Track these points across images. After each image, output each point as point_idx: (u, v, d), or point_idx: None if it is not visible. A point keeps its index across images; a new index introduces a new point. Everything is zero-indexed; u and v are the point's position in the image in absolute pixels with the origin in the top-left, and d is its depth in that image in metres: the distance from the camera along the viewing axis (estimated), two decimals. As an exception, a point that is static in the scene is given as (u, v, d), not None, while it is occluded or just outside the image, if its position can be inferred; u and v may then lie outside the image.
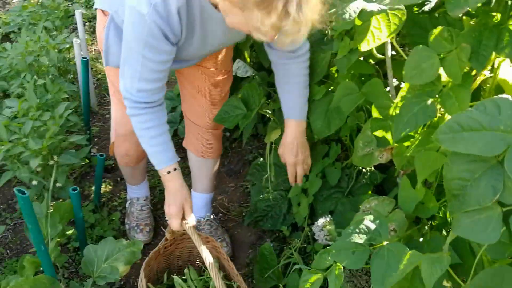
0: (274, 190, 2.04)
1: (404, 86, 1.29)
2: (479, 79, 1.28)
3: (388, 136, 1.43)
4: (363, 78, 1.64)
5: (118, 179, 2.46)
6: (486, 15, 1.14)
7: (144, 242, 2.08)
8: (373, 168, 1.81)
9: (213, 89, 1.83)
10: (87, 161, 2.37)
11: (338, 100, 1.54)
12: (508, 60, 1.25)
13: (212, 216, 2.19)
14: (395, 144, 1.40)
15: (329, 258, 1.22)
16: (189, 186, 2.31)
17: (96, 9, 1.74)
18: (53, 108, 2.02)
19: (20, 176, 1.92)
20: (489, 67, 1.26)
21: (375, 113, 1.42)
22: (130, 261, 1.72)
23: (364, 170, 1.81)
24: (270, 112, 1.96)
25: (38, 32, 2.62)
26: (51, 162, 1.92)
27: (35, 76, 2.27)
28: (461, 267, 1.13)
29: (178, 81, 1.93)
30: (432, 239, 1.27)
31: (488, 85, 1.29)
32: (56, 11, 3.15)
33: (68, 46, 2.64)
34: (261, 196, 2.06)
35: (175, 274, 1.88)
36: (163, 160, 1.63)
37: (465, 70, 1.14)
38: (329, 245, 1.33)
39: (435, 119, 1.22)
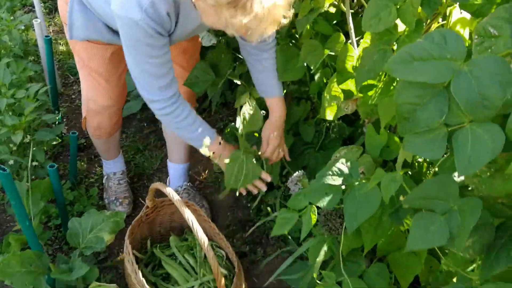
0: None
1: (364, 37, 1.37)
2: (434, 26, 1.38)
3: (352, 87, 1.51)
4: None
5: (92, 156, 2.48)
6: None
7: (125, 214, 2.12)
8: (341, 122, 1.90)
9: (182, 56, 1.87)
10: (60, 140, 2.38)
11: (304, 58, 1.61)
12: (457, 7, 1.35)
13: (189, 184, 2.25)
14: (360, 95, 1.49)
15: (304, 199, 1.31)
16: (162, 157, 2.38)
17: None
18: (19, 88, 2.02)
19: (-1, 156, 1.93)
20: (441, 15, 1.36)
21: (339, 67, 1.49)
22: (115, 230, 1.77)
23: (332, 124, 1.90)
24: (237, 76, 2.02)
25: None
26: (27, 140, 1.93)
27: (-3, 59, 2.25)
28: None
29: None
30: (406, 180, 1.37)
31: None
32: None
33: (24, 27, 2.61)
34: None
35: (158, 243, 1.95)
36: (210, 134, 1.67)
37: (418, 18, 1.23)
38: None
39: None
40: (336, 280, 1.48)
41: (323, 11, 1.58)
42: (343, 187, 1.30)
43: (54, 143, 2.40)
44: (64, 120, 2.68)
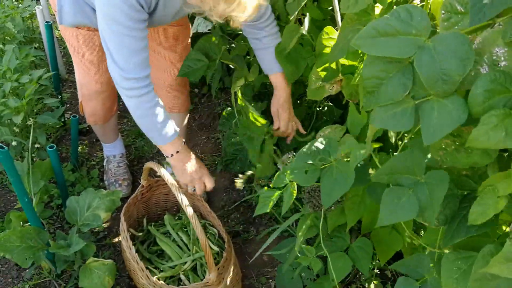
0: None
1: (344, 19, 1.41)
2: (412, 8, 1.41)
3: (335, 69, 1.55)
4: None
5: (94, 140, 2.56)
6: None
7: (124, 195, 2.20)
8: (331, 104, 1.94)
9: (172, 41, 1.92)
10: (62, 124, 2.46)
11: (285, 42, 1.65)
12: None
13: (186, 167, 2.31)
14: (342, 76, 1.53)
15: (285, 177, 1.36)
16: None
17: None
18: (22, 73, 2.10)
19: (1, 137, 2.01)
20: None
21: (318, 50, 1.53)
22: (111, 208, 1.85)
23: (322, 106, 1.94)
24: (229, 58, 2.06)
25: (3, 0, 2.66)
26: (29, 123, 2.01)
27: (1, 44, 2.33)
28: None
29: None
30: (380, 157, 1.42)
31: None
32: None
33: (29, 14, 2.68)
34: (230, 141, 2.19)
35: (154, 221, 2.02)
36: (171, 132, 1.65)
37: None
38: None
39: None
40: (319, 254, 1.54)
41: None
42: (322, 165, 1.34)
43: (57, 126, 2.48)
44: (68, 105, 2.76)
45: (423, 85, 0.97)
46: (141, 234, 1.95)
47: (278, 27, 1.76)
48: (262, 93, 2.19)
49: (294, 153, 1.76)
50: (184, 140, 1.74)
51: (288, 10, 1.67)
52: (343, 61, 1.52)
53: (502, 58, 0.90)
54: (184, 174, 1.73)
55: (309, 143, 1.38)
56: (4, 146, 1.55)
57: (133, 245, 1.75)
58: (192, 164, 1.73)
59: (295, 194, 1.38)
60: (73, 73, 3.02)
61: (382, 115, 0.99)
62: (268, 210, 1.48)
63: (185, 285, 1.74)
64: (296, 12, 1.72)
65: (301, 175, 1.35)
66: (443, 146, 1.05)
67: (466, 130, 1.03)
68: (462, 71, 0.91)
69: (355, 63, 1.49)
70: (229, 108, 2.28)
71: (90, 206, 1.84)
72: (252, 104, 2.11)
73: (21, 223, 1.80)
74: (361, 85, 1.03)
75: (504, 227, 1.09)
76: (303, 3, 1.63)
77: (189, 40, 2.02)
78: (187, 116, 2.26)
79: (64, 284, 1.89)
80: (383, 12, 1.28)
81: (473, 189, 1.07)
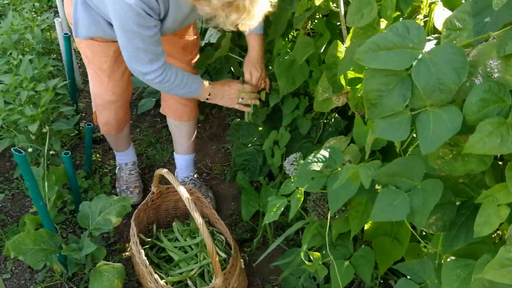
0: (250, 145, 2.22)
1: (350, 33, 1.46)
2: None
3: (342, 81, 1.60)
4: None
5: (107, 149, 2.63)
6: (414, -37, 1.31)
7: (135, 202, 2.26)
8: (337, 116, 1.99)
9: (182, 52, 2.00)
10: (77, 132, 2.53)
11: (295, 53, 1.71)
12: (441, 4, 1.43)
13: (195, 175, 2.37)
14: (349, 88, 1.58)
15: (292, 184, 1.40)
16: (172, 150, 2.50)
17: None
18: (39, 83, 2.18)
19: (18, 143, 2.08)
20: (424, 12, 1.44)
21: (328, 62, 1.58)
22: (121, 214, 1.90)
23: (329, 118, 1.99)
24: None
25: (23, 13, 2.76)
26: (45, 130, 2.08)
27: (20, 55, 2.41)
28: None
29: None
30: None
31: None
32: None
33: (48, 25, 2.78)
34: (240, 151, 2.24)
35: (163, 228, 2.07)
36: (196, 85, 1.87)
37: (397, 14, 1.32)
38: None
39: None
40: (323, 261, 1.57)
41: (323, 8, 1.67)
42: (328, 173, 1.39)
43: (72, 134, 2.55)
44: (83, 114, 2.84)
45: (420, 96, 1.02)
46: (151, 239, 2.00)
47: None
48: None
49: (301, 154, 1.80)
50: (209, 91, 1.93)
51: (294, 23, 1.73)
52: (349, 73, 1.56)
53: (496, 70, 0.94)
54: (225, 101, 1.97)
55: (314, 152, 1.43)
56: (22, 151, 1.61)
57: (142, 250, 1.80)
58: (226, 92, 1.95)
59: (301, 200, 1.42)
60: (89, 83, 3.12)
61: (381, 125, 1.04)
62: (276, 218, 1.52)
63: (192, 290, 1.78)
64: (304, 25, 1.78)
65: (308, 181, 1.39)
66: (441, 155, 1.09)
67: (463, 139, 1.07)
68: (457, 80, 0.95)
69: (361, 76, 1.54)
70: (238, 120, 2.34)
71: (101, 211, 1.89)
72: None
73: (35, 226, 1.86)
74: (364, 98, 1.07)
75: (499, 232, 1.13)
76: (308, 15, 1.69)
77: (198, 50, 2.09)
78: (196, 125, 2.32)
79: (75, 287, 1.94)
80: (388, 26, 1.33)
81: (470, 196, 1.11)
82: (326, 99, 1.68)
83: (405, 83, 1.00)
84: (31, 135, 2.17)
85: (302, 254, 1.56)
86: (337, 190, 1.34)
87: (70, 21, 1.86)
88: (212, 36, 2.28)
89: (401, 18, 1.36)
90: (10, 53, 2.45)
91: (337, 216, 1.57)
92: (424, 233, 1.63)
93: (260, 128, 2.22)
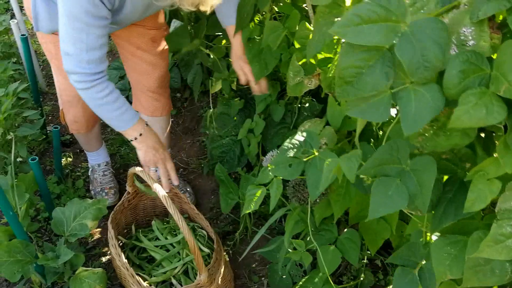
0: (226, 136, 2.17)
1: (316, 12, 1.42)
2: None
3: (313, 63, 1.56)
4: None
5: (78, 151, 2.54)
6: None
7: (111, 204, 2.19)
8: (312, 99, 1.95)
9: (151, 44, 1.92)
10: (44, 136, 2.44)
11: (267, 39, 1.66)
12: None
13: (172, 171, 2.30)
14: (319, 70, 1.54)
15: (270, 173, 1.36)
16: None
17: None
18: (0, 88, 2.08)
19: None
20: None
21: (297, 44, 1.54)
22: (97, 217, 1.84)
23: (303, 102, 1.95)
24: (210, 63, 2.08)
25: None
26: (9, 137, 1.99)
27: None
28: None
29: (116, 45, 2.00)
30: (362, 147, 1.42)
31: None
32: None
33: (4, 28, 2.66)
34: (216, 143, 2.19)
35: (143, 227, 2.01)
36: (130, 116, 1.68)
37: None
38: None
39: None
40: (308, 248, 1.55)
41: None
42: (305, 158, 1.35)
43: (39, 139, 2.46)
44: (49, 118, 2.74)
45: (400, 74, 0.97)
46: (130, 241, 1.94)
47: None
48: (241, 90, 2.20)
49: (277, 150, 1.77)
50: (141, 131, 1.73)
51: (259, 4, 1.67)
52: (318, 54, 1.52)
53: (470, 37, 0.91)
54: (147, 155, 1.76)
55: (289, 137, 1.39)
56: (-15, 161, 1.53)
57: (122, 252, 1.74)
58: (155, 146, 1.76)
59: (281, 189, 1.38)
60: (53, 85, 3.00)
61: (360, 105, 0.99)
62: (256, 208, 1.48)
63: (177, 288, 1.74)
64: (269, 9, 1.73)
65: (285, 169, 1.35)
66: (422, 132, 1.06)
67: (442, 113, 1.04)
68: (441, 56, 0.91)
69: (331, 55, 1.50)
70: (210, 110, 2.29)
71: (76, 216, 1.82)
72: (232, 100, 2.12)
73: (9, 237, 1.78)
74: (336, 75, 1.01)
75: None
76: None
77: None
78: (170, 120, 2.25)
79: (55, 297, 1.88)
80: (355, 2, 1.29)
81: (455, 172, 1.08)
82: (298, 83, 1.64)
83: (387, 59, 0.95)
84: (-5, 143, 2.08)
85: (286, 243, 1.53)
86: (315, 177, 1.30)
87: (29, 15, 1.76)
88: (176, 28, 2.20)
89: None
90: (-34, 60, 2.34)
91: (318, 201, 1.54)
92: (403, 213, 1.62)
93: (235, 118, 2.17)
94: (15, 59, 2.89)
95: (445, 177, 1.11)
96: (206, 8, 1.38)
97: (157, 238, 1.93)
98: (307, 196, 1.51)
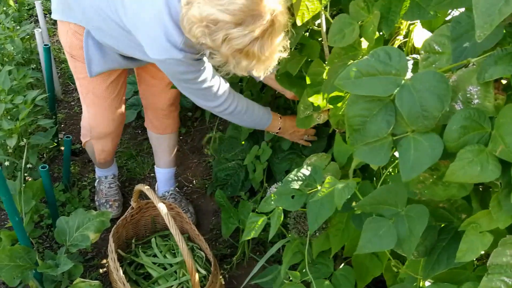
0: (232, 160, 2.21)
1: (332, 52, 1.47)
2: (397, 43, 1.47)
3: (319, 101, 1.61)
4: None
5: (86, 161, 2.59)
6: (396, -15, 1.32)
7: (114, 216, 2.23)
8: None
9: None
10: (55, 144, 2.49)
11: (284, 66, 1.71)
12: (419, 25, 1.45)
13: (176, 189, 2.34)
14: (330, 106, 1.58)
15: (272, 202, 1.39)
16: (153, 163, 2.47)
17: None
18: (18, 94, 2.14)
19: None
20: (404, 32, 1.45)
21: (309, 81, 1.59)
22: (100, 229, 1.87)
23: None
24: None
25: (4, 22, 2.72)
26: (22, 143, 2.04)
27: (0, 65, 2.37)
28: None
29: (135, 69, 2.08)
30: (362, 185, 1.46)
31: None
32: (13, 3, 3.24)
33: (28, 35, 2.74)
34: (221, 166, 2.23)
35: (143, 243, 2.04)
36: (266, 113, 1.84)
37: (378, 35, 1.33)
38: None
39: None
40: (302, 280, 1.56)
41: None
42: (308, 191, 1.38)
43: (50, 146, 2.51)
44: (62, 125, 2.79)
45: (402, 122, 1.01)
46: (129, 255, 1.96)
47: None
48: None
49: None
50: (280, 125, 1.89)
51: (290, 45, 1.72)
52: (330, 92, 1.57)
53: (475, 96, 0.95)
54: (292, 138, 1.94)
55: (295, 170, 1.42)
56: (-3, 166, 1.58)
57: (120, 266, 1.77)
58: (294, 129, 1.91)
59: (281, 219, 1.41)
60: (69, 93, 3.07)
61: (363, 148, 1.03)
62: (256, 236, 1.51)
63: (171, 308, 1.76)
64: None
65: (288, 200, 1.38)
66: (422, 179, 1.09)
67: (443, 164, 1.08)
68: (441, 107, 0.95)
69: (342, 94, 1.54)
70: (219, 133, 2.33)
71: (79, 227, 1.86)
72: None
73: (11, 242, 1.81)
74: (346, 123, 1.06)
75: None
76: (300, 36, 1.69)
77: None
78: (177, 138, 2.30)
79: (51, 304, 1.90)
80: (370, 48, 1.33)
81: (450, 221, 1.11)
82: (307, 116, 1.68)
83: (389, 108, 1.00)
84: (8, 148, 2.12)
85: (282, 274, 1.55)
86: (316, 210, 1.33)
87: (69, 50, 1.82)
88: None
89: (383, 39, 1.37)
90: (-10, 64, 2.41)
91: (317, 234, 1.57)
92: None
93: (243, 142, 2.21)
94: (35, 65, 2.96)
95: (442, 225, 1.14)
96: (259, 74, 1.47)
97: (156, 255, 1.95)
98: (307, 228, 1.53)
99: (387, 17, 1.28)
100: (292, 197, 1.38)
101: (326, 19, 1.58)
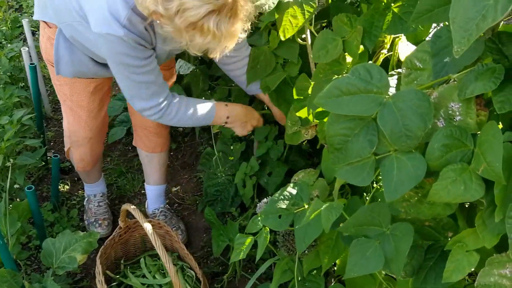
0: (222, 175, 2.18)
1: (317, 68, 1.45)
2: (381, 57, 1.46)
3: (305, 115, 1.59)
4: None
5: (76, 179, 2.56)
6: (378, 1, 1.31)
7: (104, 236, 2.20)
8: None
9: None
10: (43, 163, 2.46)
11: (265, 81, 1.69)
12: (404, 39, 1.44)
13: (166, 206, 2.32)
14: (316, 121, 1.56)
15: (259, 222, 1.37)
16: (143, 180, 2.44)
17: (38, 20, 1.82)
18: (4, 114, 2.11)
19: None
20: (388, 46, 1.44)
21: (296, 95, 1.57)
22: (87, 250, 1.83)
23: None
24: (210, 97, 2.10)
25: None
26: (9, 164, 2.01)
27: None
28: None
29: None
30: (351, 202, 1.43)
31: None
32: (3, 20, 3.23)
33: (16, 53, 2.72)
34: (211, 182, 2.20)
35: (132, 263, 2.00)
36: (207, 110, 1.74)
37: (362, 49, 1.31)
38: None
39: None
40: (293, 299, 1.54)
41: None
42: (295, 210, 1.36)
43: (39, 166, 2.48)
44: (51, 143, 2.77)
45: (384, 141, 0.99)
46: (118, 277, 1.93)
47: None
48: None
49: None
50: (227, 114, 1.79)
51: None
52: (316, 106, 1.55)
53: (457, 113, 0.93)
54: (243, 130, 1.85)
55: (281, 188, 1.40)
56: (-20, 189, 1.55)
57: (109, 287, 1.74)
58: (245, 118, 1.83)
59: (268, 240, 1.38)
60: (58, 111, 3.05)
61: (345, 168, 1.01)
62: (244, 257, 1.48)
63: (161, 329, 1.72)
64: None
65: (275, 220, 1.36)
66: (406, 198, 1.07)
67: (428, 182, 1.05)
68: (423, 126, 0.94)
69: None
70: (209, 148, 2.31)
71: (66, 248, 1.82)
72: (232, 145, 2.14)
73: (-4, 265, 1.78)
74: (327, 142, 1.04)
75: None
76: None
77: (172, 83, 2.06)
78: (168, 156, 2.28)
79: (38, 328, 1.86)
80: (355, 62, 1.32)
81: (437, 239, 1.09)
82: (295, 132, 1.66)
83: (371, 127, 0.98)
84: (-7, 168, 2.09)
85: (272, 292, 1.52)
86: (303, 229, 1.31)
87: (47, 57, 1.80)
88: (181, 68, 2.24)
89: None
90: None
91: (307, 252, 1.54)
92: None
93: (231, 158, 2.19)
94: (23, 83, 2.94)
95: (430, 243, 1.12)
96: (214, 55, 1.41)
97: (145, 276, 1.92)
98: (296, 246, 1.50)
99: (370, 31, 1.27)
100: (279, 216, 1.36)
101: (311, 33, 1.57)
